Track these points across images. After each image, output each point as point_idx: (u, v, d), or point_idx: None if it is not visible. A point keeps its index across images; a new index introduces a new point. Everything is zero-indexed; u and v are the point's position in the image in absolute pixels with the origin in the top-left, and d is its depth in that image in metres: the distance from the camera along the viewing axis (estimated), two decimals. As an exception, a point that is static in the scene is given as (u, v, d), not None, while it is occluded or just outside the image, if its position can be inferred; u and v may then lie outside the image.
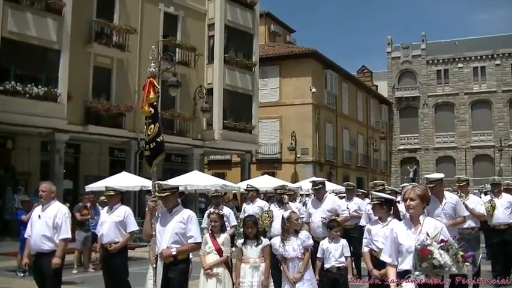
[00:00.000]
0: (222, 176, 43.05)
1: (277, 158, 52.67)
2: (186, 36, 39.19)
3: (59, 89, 29.47)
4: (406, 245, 6.73)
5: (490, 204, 14.54)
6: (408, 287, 6.48)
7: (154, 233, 8.81)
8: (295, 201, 20.97)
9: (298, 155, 51.14)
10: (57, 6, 29.52)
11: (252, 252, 9.79)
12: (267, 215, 13.80)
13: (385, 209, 9.59)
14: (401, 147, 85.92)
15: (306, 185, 34.89)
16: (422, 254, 6.35)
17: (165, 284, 8.71)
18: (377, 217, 9.90)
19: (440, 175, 12.17)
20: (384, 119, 79.12)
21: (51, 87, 29.25)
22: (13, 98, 27.51)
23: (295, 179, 47.04)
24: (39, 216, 10.20)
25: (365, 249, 9.84)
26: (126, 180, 27.14)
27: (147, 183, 28.53)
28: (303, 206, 23.93)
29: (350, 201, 16.92)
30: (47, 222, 10.02)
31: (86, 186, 27.70)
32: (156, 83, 9.12)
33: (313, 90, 51.54)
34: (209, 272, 9.78)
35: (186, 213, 8.96)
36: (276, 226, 12.84)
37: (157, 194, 8.87)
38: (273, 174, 44.11)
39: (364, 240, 9.91)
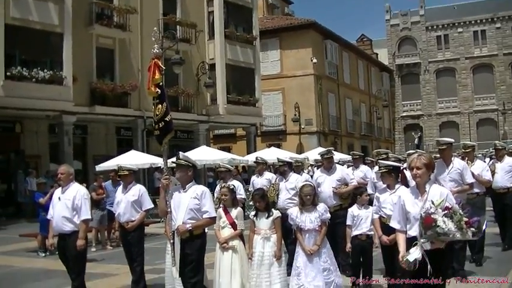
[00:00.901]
0: (227, 149, 43.36)
1: (282, 130, 53.02)
2: (185, 13, 39.33)
3: (64, 71, 29.78)
4: (413, 213, 6.86)
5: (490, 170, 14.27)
6: (416, 254, 6.59)
7: (169, 209, 8.87)
8: (303, 172, 21.05)
9: (303, 126, 51.33)
10: (57, -10, 29.73)
11: (263, 223, 9.99)
12: (273, 188, 13.87)
13: (393, 176, 9.72)
14: (404, 114, 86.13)
15: (312, 155, 35.32)
16: (426, 222, 6.51)
17: (182, 259, 8.76)
18: (384, 185, 10.03)
19: (451, 139, 12.50)
20: (386, 86, 79.18)
21: (56, 70, 29.56)
22: (20, 83, 27.81)
23: (300, 150, 47.35)
24: (59, 198, 10.38)
25: (375, 216, 10.01)
26: (135, 159, 27.34)
27: (156, 161, 28.93)
28: (311, 177, 24.31)
29: (356, 170, 16.94)
30: (67, 204, 10.20)
31: (96, 166, 28.00)
32: (160, 64, 9.11)
33: (314, 61, 51.80)
34: (225, 245, 9.89)
35: (200, 188, 9.00)
36: (283, 198, 13.28)
37: (173, 162, 9.00)
38: (278, 146, 44.41)
39: (373, 208, 10.09)
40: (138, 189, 11.86)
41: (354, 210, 10.85)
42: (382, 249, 10.21)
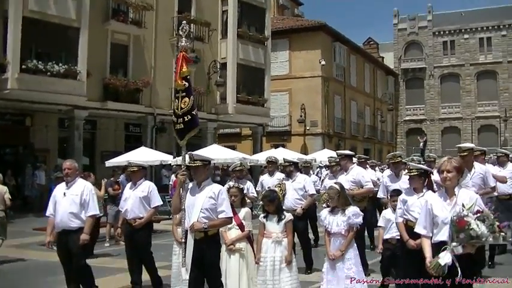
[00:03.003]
0: (232, 149, 43.26)
1: (287, 131, 53.00)
2: (200, 11, 39.30)
3: (78, 66, 29.73)
4: (441, 217, 6.76)
5: None
6: (446, 258, 6.47)
7: (183, 207, 8.65)
8: (311, 173, 21.05)
9: (308, 127, 51.38)
10: (76, -15, 29.70)
11: (274, 227, 9.65)
12: (279, 188, 13.37)
13: (422, 179, 9.31)
14: (407, 118, 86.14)
15: (319, 157, 35.40)
16: (459, 225, 6.38)
17: (198, 261, 8.40)
18: (411, 188, 9.55)
19: (471, 145, 12.59)
20: (390, 90, 79.10)
21: (71, 64, 29.51)
22: (34, 76, 27.78)
23: (304, 151, 47.38)
24: (64, 194, 10.24)
25: (399, 220, 9.55)
26: (145, 155, 27.38)
27: (166, 158, 29.06)
28: (319, 178, 24.34)
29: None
30: (74, 200, 10.08)
31: (106, 162, 28.09)
32: (188, 56, 9.13)
33: (323, 62, 51.79)
34: (232, 247, 9.61)
35: (216, 187, 8.63)
36: (289, 198, 13.11)
37: (188, 164, 8.60)
38: (282, 147, 44.39)
39: (399, 211, 9.62)
40: (147, 186, 11.62)
41: (387, 213, 10.67)
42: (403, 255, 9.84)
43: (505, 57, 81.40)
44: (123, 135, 36.59)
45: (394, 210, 10.24)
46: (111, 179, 20.42)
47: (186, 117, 8.76)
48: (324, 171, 29.53)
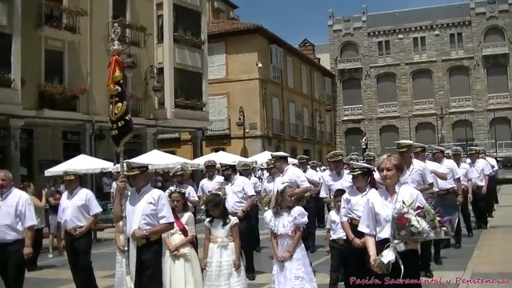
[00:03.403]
0: (172, 154, 43.00)
1: (226, 134, 52.99)
2: (135, 16, 38.93)
3: (12, 74, 29.00)
4: (383, 214, 6.78)
5: None
6: (389, 256, 6.49)
7: (124, 214, 8.57)
8: (251, 176, 21.08)
9: (247, 130, 51.30)
10: (6, -10, 29.03)
11: (219, 231, 9.52)
12: (220, 192, 12.85)
13: (366, 178, 9.32)
14: (345, 118, 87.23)
15: (260, 159, 35.40)
16: (400, 222, 6.41)
17: (138, 267, 8.40)
18: (354, 186, 9.57)
19: (410, 141, 12.72)
20: (328, 91, 79.96)
21: (4, 72, 28.82)
22: (-34, 86, 27.09)
23: (244, 153, 47.36)
24: None
25: (344, 219, 9.56)
26: (85, 163, 27.08)
27: (106, 165, 28.66)
28: (260, 180, 24.32)
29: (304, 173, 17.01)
30: (9, 211, 9.76)
31: (45, 171, 27.56)
32: (121, 60, 8.99)
33: (260, 65, 51.87)
34: (176, 253, 9.54)
35: (156, 193, 8.64)
36: (229, 202, 12.86)
37: (126, 172, 8.60)
38: (222, 150, 44.29)
39: (343, 210, 9.62)
40: (84, 194, 11.51)
41: (332, 214, 10.48)
42: (347, 252, 9.86)
43: (439, 56, 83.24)
44: (61, 144, 35.80)
45: (338, 210, 10.18)
46: (52, 188, 20.09)
47: (119, 123, 8.60)
48: (266, 173, 29.55)
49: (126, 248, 8.64)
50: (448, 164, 15.48)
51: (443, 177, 13.84)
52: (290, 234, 9.21)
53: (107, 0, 37.03)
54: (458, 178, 15.58)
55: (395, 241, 6.49)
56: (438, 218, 6.48)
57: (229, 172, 13.92)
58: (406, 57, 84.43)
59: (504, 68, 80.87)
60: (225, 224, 9.55)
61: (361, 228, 7.13)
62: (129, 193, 8.65)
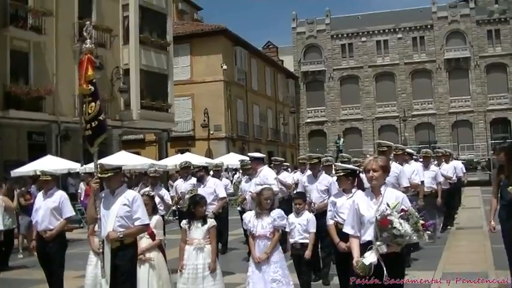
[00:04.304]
0: (137, 155, 43.05)
1: (191, 135, 53.16)
2: (101, 17, 38.76)
3: (-23, 74, 28.98)
4: (367, 216, 6.70)
5: None
6: (371, 258, 6.45)
7: (98, 216, 8.35)
8: (222, 177, 21.14)
9: (212, 132, 51.42)
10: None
11: (197, 233, 9.31)
12: (192, 194, 12.93)
13: (351, 180, 9.29)
14: (309, 120, 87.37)
15: (226, 160, 35.50)
16: (382, 224, 6.37)
17: (113, 270, 8.19)
18: (340, 189, 9.65)
19: (390, 143, 12.90)
20: (291, 93, 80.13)
21: (-31, 73, 28.75)
22: None
23: (209, 155, 47.39)
24: None
25: (330, 222, 9.51)
26: (51, 164, 26.81)
27: (73, 166, 28.56)
28: (231, 182, 24.52)
29: (278, 175, 16.61)
30: None
31: (11, 172, 27.43)
32: (94, 59, 8.71)
33: (224, 67, 52.08)
34: (141, 257, 9.32)
35: (130, 194, 8.47)
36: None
37: (99, 174, 8.36)
38: (187, 151, 44.31)
39: (329, 213, 9.59)
40: (59, 196, 11.08)
41: (290, 217, 10.41)
42: (335, 257, 10.02)
43: (401, 59, 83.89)
44: (26, 144, 35.49)
45: (297, 213, 10.39)
46: (22, 189, 19.96)
47: (93, 123, 8.44)
48: (237, 175, 29.69)
49: (101, 251, 8.42)
50: (416, 166, 15.56)
51: (415, 187, 13.72)
52: (268, 235, 9.17)
53: (72, 1, 36.80)
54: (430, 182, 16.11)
55: (378, 243, 6.47)
56: (422, 222, 6.45)
57: (202, 173, 14.10)
58: (369, 60, 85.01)
59: (466, 72, 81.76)
60: (204, 224, 9.38)
61: (346, 229, 7.07)
62: (103, 195, 8.49)
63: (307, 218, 10.32)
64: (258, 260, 9.08)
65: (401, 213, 6.42)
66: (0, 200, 10.09)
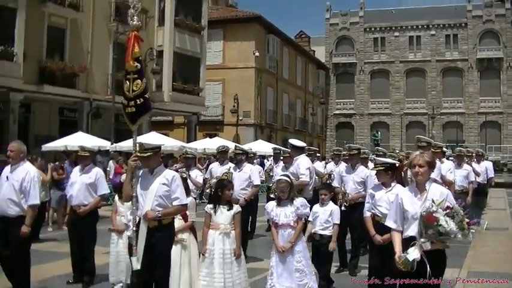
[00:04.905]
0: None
1: (220, 120, 53.26)
2: (138, -3, 38.83)
3: (15, 48, 29.27)
4: (411, 212, 6.60)
5: None
6: (414, 254, 6.34)
7: (134, 194, 8.15)
8: (255, 164, 20.98)
9: (240, 118, 51.31)
10: (13, -35, 29.03)
11: (223, 217, 9.14)
12: (226, 177, 13.01)
13: (390, 174, 9.26)
14: (337, 112, 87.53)
15: (254, 147, 35.44)
16: (428, 221, 6.26)
17: (148, 250, 7.99)
18: (379, 182, 9.49)
19: (430, 139, 12.88)
20: (321, 84, 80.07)
21: (7, 46, 29.02)
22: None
23: (237, 141, 47.41)
24: (7, 178, 9.50)
25: (367, 214, 9.44)
26: (82, 141, 26.77)
27: (104, 143, 28.74)
28: (263, 168, 24.53)
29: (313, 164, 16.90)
30: (14, 186, 9.32)
31: (42, 146, 27.72)
32: (140, 36, 8.56)
33: (257, 54, 52.08)
34: (174, 238, 8.93)
35: (170, 174, 8.29)
36: (236, 188, 12.19)
37: (138, 154, 8.10)
38: (215, 136, 44.44)
39: (367, 205, 9.53)
40: (95, 172, 11.12)
41: (315, 206, 10.23)
42: (369, 249, 9.95)
43: (433, 56, 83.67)
44: (57, 120, 35.87)
45: (322, 204, 10.23)
46: (56, 163, 20.08)
47: (138, 100, 8.22)
48: (268, 162, 29.62)
49: (135, 229, 8.16)
50: (449, 164, 15.55)
51: (450, 183, 13.28)
52: (292, 224, 8.93)
53: (110, -20, 37.07)
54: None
55: (422, 240, 6.38)
56: (467, 220, 6.35)
57: (242, 157, 13.97)
58: (400, 55, 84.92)
59: (497, 72, 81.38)
60: (230, 209, 9.22)
61: (389, 223, 6.94)
62: (140, 173, 8.30)
63: (332, 209, 10.18)
64: (283, 249, 8.85)
65: (447, 211, 6.37)
66: (38, 173, 10.02)
